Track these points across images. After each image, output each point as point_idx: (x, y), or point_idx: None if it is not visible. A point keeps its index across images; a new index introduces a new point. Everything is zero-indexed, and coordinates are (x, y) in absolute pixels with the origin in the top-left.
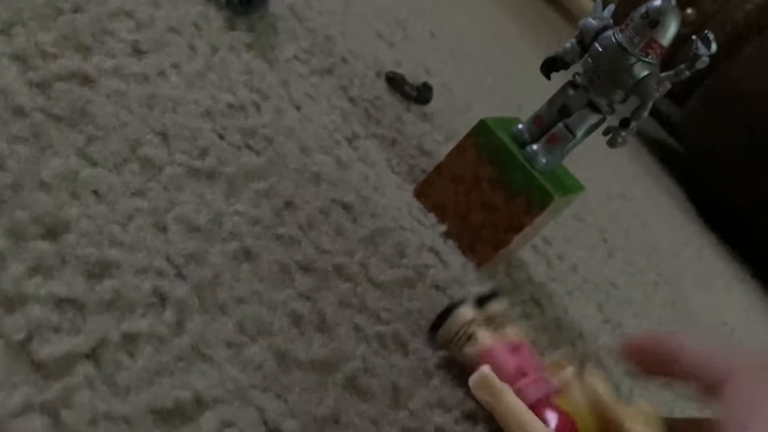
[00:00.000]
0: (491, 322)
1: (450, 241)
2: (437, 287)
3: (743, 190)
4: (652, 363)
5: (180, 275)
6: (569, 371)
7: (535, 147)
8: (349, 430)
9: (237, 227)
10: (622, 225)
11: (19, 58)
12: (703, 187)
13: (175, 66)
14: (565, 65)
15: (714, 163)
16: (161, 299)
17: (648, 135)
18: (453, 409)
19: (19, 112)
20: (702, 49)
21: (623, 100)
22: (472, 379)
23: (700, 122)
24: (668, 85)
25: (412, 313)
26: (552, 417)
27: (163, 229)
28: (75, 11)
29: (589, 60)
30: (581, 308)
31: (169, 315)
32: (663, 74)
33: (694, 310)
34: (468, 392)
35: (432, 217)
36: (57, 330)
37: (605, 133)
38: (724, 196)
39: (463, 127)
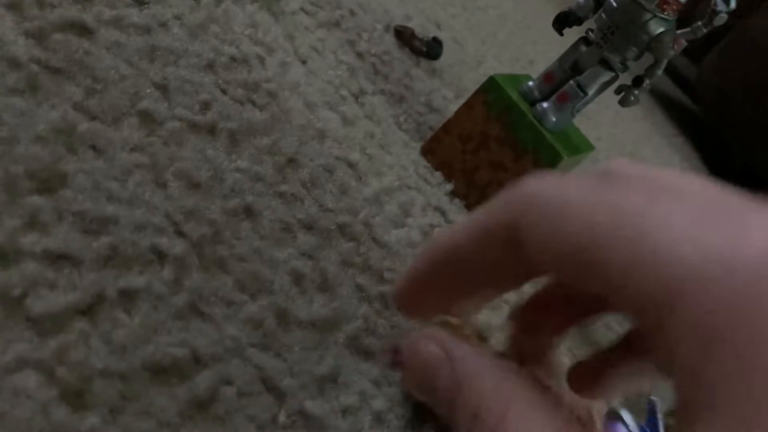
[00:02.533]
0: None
1: (456, 200)
2: None
3: (760, 150)
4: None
5: (179, 232)
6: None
7: (545, 105)
8: (349, 389)
9: (238, 184)
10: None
11: (15, 8)
12: (718, 147)
13: (177, 17)
14: (579, 21)
15: (730, 123)
16: (159, 256)
17: (662, 93)
18: None
19: (15, 63)
20: (721, 5)
21: (637, 58)
22: None
23: (716, 81)
24: (684, 43)
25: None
26: None
27: (163, 185)
28: None
29: (603, 15)
30: None
31: (167, 272)
32: (679, 31)
33: None
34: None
35: (439, 176)
36: (52, 286)
37: (617, 91)
38: (739, 156)
39: (473, 83)
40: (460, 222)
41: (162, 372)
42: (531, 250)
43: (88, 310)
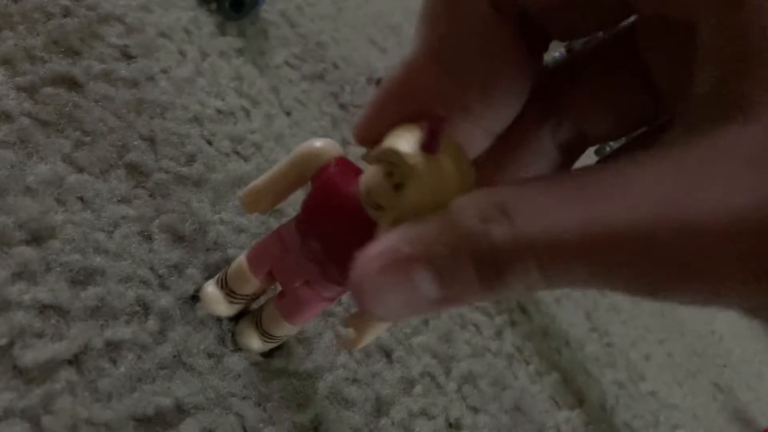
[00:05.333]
0: None
1: None
2: None
3: None
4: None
5: (163, 286)
6: None
7: None
8: None
9: (221, 237)
10: None
11: (7, 62)
12: None
13: (164, 71)
14: None
15: None
16: (144, 308)
17: None
18: (436, 417)
19: (6, 116)
20: None
21: None
22: None
23: None
24: None
25: (396, 323)
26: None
27: (148, 237)
28: (65, 15)
29: None
30: (569, 316)
31: (152, 324)
32: None
33: (683, 318)
34: (451, 400)
35: None
36: (40, 336)
37: (597, 152)
38: None
39: None
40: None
41: (147, 421)
42: None
43: (75, 360)
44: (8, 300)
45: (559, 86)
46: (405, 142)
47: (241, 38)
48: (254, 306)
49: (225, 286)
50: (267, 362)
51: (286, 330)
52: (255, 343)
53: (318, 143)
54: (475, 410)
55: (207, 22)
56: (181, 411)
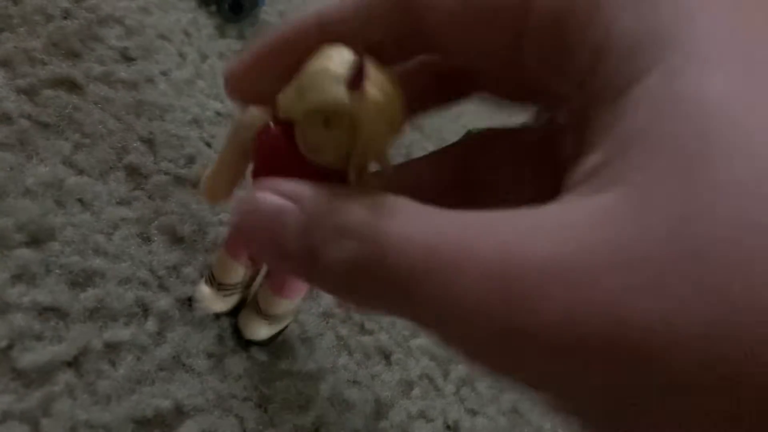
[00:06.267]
0: None
1: None
2: None
3: None
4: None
5: (162, 287)
6: None
7: None
8: None
9: (220, 238)
10: None
11: (7, 65)
12: None
13: (164, 73)
14: None
15: None
16: (144, 309)
17: None
18: (435, 419)
19: (6, 118)
20: None
21: None
22: None
23: None
24: None
25: (396, 324)
26: None
27: (147, 239)
28: (65, 17)
29: None
30: None
31: (151, 325)
32: None
33: None
34: (449, 402)
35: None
36: (39, 338)
37: None
38: None
39: (452, 135)
40: None
41: (146, 423)
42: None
43: (74, 362)
44: (8, 302)
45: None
46: (329, 86)
47: (240, 40)
48: (249, 296)
49: (214, 282)
50: (268, 363)
51: (284, 306)
52: (261, 330)
53: (252, 110)
54: (473, 412)
55: (206, 24)
56: (180, 413)
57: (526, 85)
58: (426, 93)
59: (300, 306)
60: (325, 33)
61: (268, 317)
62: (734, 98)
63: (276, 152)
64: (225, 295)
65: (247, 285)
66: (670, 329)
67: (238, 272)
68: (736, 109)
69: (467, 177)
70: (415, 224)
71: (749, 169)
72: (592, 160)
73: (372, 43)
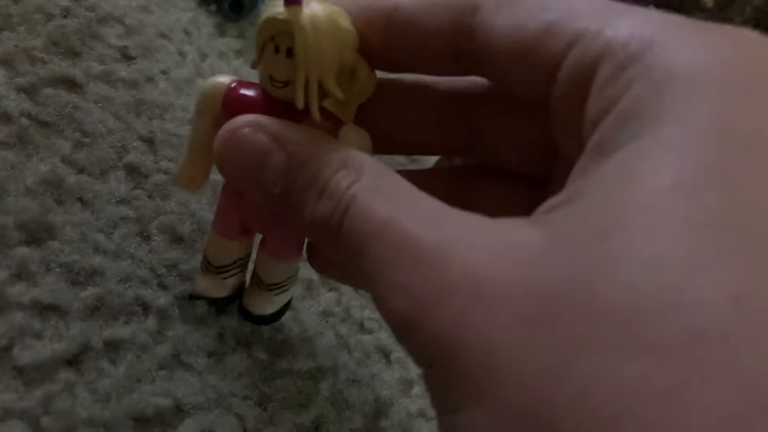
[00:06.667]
0: None
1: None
2: None
3: None
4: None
5: (162, 285)
6: None
7: None
8: None
9: None
10: None
11: (7, 63)
12: None
13: (164, 72)
14: None
15: None
16: (144, 308)
17: None
18: (434, 418)
19: (6, 117)
20: None
21: None
22: None
23: None
24: None
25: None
26: None
27: (147, 238)
28: (65, 16)
29: None
30: None
31: (151, 323)
32: None
33: None
34: None
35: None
36: (39, 336)
37: None
38: None
39: None
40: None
41: (146, 421)
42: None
43: (74, 360)
44: (8, 301)
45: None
46: (271, 7)
47: (240, 39)
48: (247, 277)
49: (211, 267)
50: (268, 362)
51: (284, 271)
52: (267, 304)
53: (211, 79)
54: None
55: (206, 23)
56: (180, 411)
57: (545, 145)
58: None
59: (300, 304)
60: (393, 23)
61: (271, 287)
62: (671, 194)
63: (246, 103)
64: (224, 278)
65: (244, 264)
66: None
67: (232, 251)
68: (663, 206)
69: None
70: (380, 202)
71: (643, 254)
72: (555, 198)
73: (432, 51)
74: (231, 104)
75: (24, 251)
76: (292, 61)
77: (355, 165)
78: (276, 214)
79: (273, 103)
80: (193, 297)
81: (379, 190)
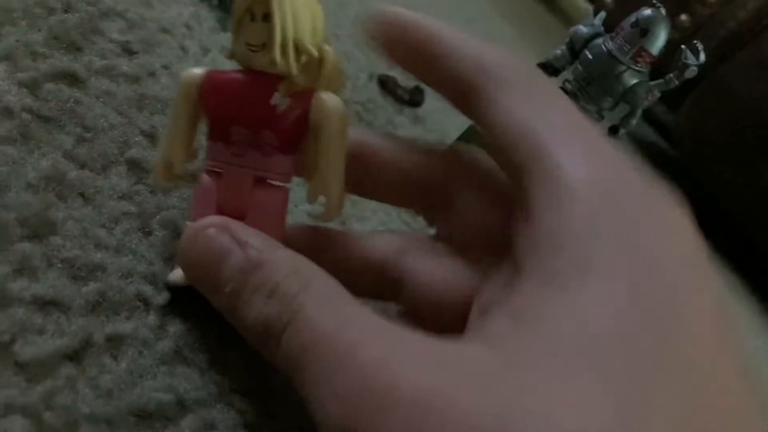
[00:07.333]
0: None
1: (439, 245)
2: None
3: (735, 195)
4: (407, 50)
5: (163, 281)
6: None
7: None
8: None
9: None
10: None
11: (8, 58)
12: (695, 191)
13: (165, 67)
14: (555, 72)
15: (706, 168)
16: (145, 303)
17: (642, 139)
18: None
19: (7, 112)
20: (691, 59)
21: (612, 108)
22: None
23: (693, 127)
24: (657, 94)
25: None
26: None
27: (149, 233)
28: (66, 11)
29: (579, 67)
30: None
31: (152, 319)
32: (653, 82)
33: None
34: None
35: (421, 221)
36: (41, 332)
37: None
38: (715, 200)
39: (454, 130)
40: None
41: (147, 417)
42: None
43: (76, 356)
44: (9, 296)
45: None
46: None
47: None
48: None
49: None
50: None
51: None
52: None
53: (188, 69)
54: None
55: (208, 17)
56: (182, 407)
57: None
58: None
59: None
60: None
61: None
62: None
63: (223, 84)
64: None
65: None
66: None
67: None
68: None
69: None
70: (327, 314)
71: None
72: (493, 302)
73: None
74: (208, 89)
75: (25, 247)
76: (268, 24)
77: (305, 273)
78: (223, 313)
79: (248, 73)
80: (169, 286)
81: (326, 301)
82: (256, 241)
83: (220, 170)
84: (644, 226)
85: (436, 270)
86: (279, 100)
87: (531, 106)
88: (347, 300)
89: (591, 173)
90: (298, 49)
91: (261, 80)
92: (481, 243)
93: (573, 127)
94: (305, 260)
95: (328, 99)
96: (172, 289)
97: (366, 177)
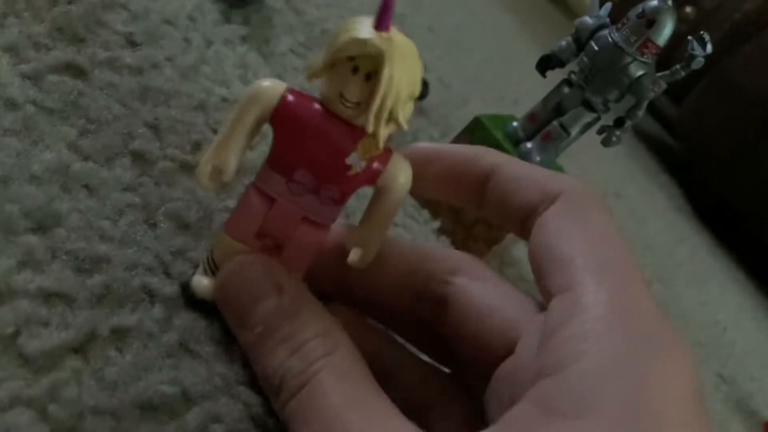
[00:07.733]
0: None
1: (443, 238)
2: None
3: (739, 188)
4: (451, 182)
5: (168, 273)
6: None
7: (529, 145)
8: None
9: None
10: (616, 223)
11: (12, 50)
12: (699, 185)
13: (169, 59)
14: (561, 63)
15: (710, 161)
16: (150, 295)
17: (646, 133)
18: None
19: (11, 104)
20: (697, 50)
21: (618, 99)
22: None
23: (697, 120)
24: (663, 85)
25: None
26: None
27: (153, 225)
28: (69, 2)
29: (585, 59)
30: None
31: (157, 311)
32: (659, 74)
33: (688, 309)
34: None
35: (426, 214)
36: (46, 324)
37: (600, 131)
38: (720, 194)
39: (459, 122)
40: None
41: (152, 409)
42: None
43: (81, 348)
44: (14, 289)
45: None
46: (359, 29)
47: (245, 26)
48: None
49: (216, 268)
50: None
51: None
52: None
53: (266, 83)
54: None
55: (211, 9)
56: (187, 399)
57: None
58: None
59: None
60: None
61: None
62: None
63: (302, 118)
64: None
65: None
66: None
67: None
68: None
69: None
70: (340, 389)
71: None
72: None
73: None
74: (286, 119)
75: (30, 239)
76: (369, 84)
77: (333, 338)
78: (245, 350)
79: (330, 120)
80: (190, 298)
81: (345, 375)
82: (295, 290)
83: (271, 195)
84: (650, 386)
85: (488, 295)
86: (355, 161)
87: (573, 235)
88: (363, 376)
89: (610, 323)
90: (391, 116)
91: (342, 132)
92: None
93: (608, 263)
94: (336, 324)
95: (403, 170)
96: (194, 300)
97: None
